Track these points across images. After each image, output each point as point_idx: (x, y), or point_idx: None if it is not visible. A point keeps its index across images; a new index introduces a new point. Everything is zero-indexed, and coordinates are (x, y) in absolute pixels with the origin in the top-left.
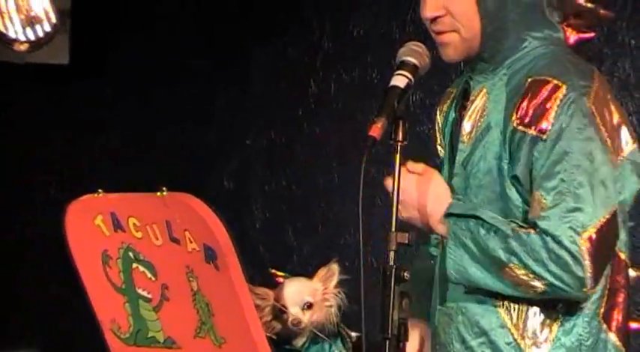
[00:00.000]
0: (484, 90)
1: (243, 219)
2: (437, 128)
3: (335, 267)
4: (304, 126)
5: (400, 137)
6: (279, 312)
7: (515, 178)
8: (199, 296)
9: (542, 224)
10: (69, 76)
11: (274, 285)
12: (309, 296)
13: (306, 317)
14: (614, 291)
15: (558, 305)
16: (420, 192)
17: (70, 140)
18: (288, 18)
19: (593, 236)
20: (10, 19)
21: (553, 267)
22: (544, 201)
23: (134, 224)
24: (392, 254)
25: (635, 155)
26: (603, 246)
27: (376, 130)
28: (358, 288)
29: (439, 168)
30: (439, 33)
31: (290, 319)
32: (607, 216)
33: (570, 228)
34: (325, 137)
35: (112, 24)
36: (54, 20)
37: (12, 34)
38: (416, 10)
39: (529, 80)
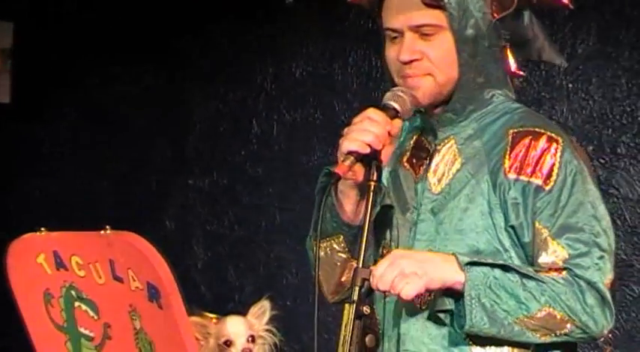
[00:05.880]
0: (452, 142)
1: (184, 258)
2: None
3: (266, 304)
4: (246, 167)
5: (374, 177)
6: (225, 345)
7: (511, 227)
8: (142, 335)
9: (577, 270)
10: (9, 115)
11: None
12: (251, 329)
13: (255, 349)
14: None
15: (531, 347)
16: (407, 256)
17: (11, 180)
18: (230, 60)
19: (611, 280)
20: None
21: (589, 310)
22: (564, 249)
23: (77, 262)
24: (356, 289)
25: None
26: (613, 288)
27: (343, 168)
28: (297, 327)
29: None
30: (411, 76)
31: (241, 349)
32: (613, 260)
33: (602, 274)
34: (267, 178)
35: (54, 64)
36: None
37: None
38: (358, 52)
39: (512, 131)
